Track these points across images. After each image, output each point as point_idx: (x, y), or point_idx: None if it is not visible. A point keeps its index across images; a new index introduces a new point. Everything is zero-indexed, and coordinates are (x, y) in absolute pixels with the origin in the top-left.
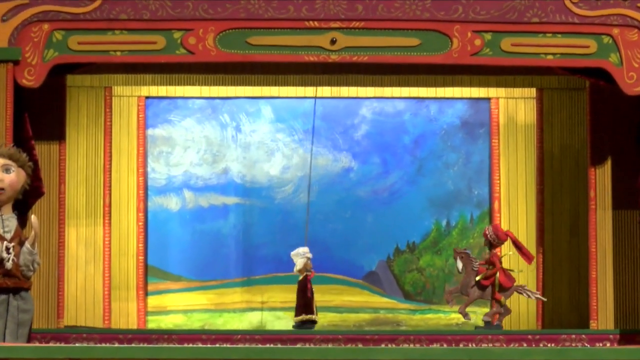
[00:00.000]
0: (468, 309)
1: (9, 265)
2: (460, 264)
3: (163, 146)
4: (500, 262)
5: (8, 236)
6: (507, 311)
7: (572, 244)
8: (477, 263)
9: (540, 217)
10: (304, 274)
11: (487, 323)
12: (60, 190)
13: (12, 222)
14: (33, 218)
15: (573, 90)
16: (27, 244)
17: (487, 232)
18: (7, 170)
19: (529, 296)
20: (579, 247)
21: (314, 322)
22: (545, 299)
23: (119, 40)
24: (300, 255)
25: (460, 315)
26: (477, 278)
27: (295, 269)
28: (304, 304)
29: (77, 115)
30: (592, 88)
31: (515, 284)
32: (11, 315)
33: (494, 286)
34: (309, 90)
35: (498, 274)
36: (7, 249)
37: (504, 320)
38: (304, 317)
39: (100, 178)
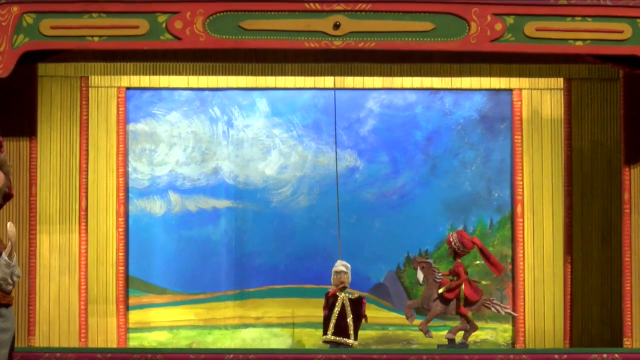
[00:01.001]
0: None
1: None
2: (421, 275)
3: (146, 143)
4: (466, 273)
5: None
6: (473, 328)
7: (604, 252)
8: (439, 274)
9: (569, 223)
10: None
11: (450, 341)
12: (31, 192)
13: None
14: (9, 225)
15: (605, 80)
16: (4, 255)
17: (451, 240)
18: None
19: (498, 311)
20: (612, 256)
21: (338, 344)
22: (516, 315)
23: (97, 25)
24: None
25: (478, 333)
26: (440, 291)
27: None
28: (324, 321)
29: (50, 108)
30: (626, 78)
31: (483, 297)
32: None
33: (459, 300)
34: (309, 81)
35: (463, 286)
36: None
37: (523, 337)
38: (323, 337)
39: (75, 179)
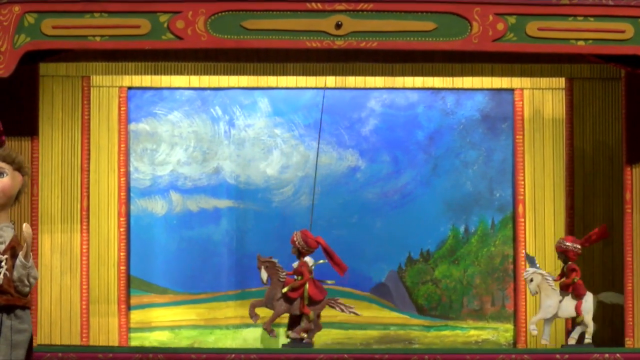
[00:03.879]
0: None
1: None
2: (264, 274)
3: (147, 143)
4: (310, 273)
5: (1, 247)
6: (318, 327)
7: (606, 252)
8: (284, 273)
9: (570, 223)
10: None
11: (293, 340)
12: (32, 192)
13: (7, 232)
14: (25, 227)
15: (607, 80)
16: (20, 256)
17: (295, 239)
18: (0, 174)
19: (342, 310)
20: (613, 256)
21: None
22: (360, 314)
23: (99, 24)
24: None
25: (479, 333)
26: (284, 290)
27: None
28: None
29: (52, 108)
30: (629, 78)
31: (327, 297)
32: (4, 337)
33: (303, 299)
34: (311, 80)
35: (307, 285)
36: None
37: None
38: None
39: (77, 178)
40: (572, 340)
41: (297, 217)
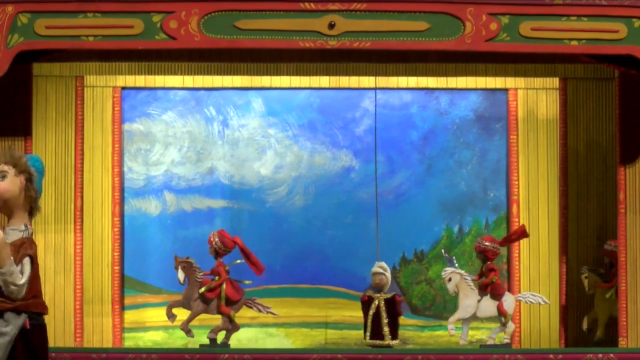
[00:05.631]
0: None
1: None
2: (181, 275)
3: (141, 143)
4: (227, 273)
5: None
6: (235, 327)
7: (599, 252)
8: (201, 274)
9: (564, 223)
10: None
11: (212, 341)
12: None
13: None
14: None
15: (600, 80)
16: None
17: (212, 239)
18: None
19: (260, 311)
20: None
21: (381, 346)
22: (277, 314)
23: (92, 24)
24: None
25: (473, 333)
26: (201, 290)
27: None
28: (364, 324)
29: (45, 108)
30: (622, 78)
31: (244, 297)
32: None
33: (220, 299)
34: (304, 80)
35: (225, 285)
36: None
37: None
38: (366, 340)
39: (70, 179)
40: (490, 341)
41: (291, 217)
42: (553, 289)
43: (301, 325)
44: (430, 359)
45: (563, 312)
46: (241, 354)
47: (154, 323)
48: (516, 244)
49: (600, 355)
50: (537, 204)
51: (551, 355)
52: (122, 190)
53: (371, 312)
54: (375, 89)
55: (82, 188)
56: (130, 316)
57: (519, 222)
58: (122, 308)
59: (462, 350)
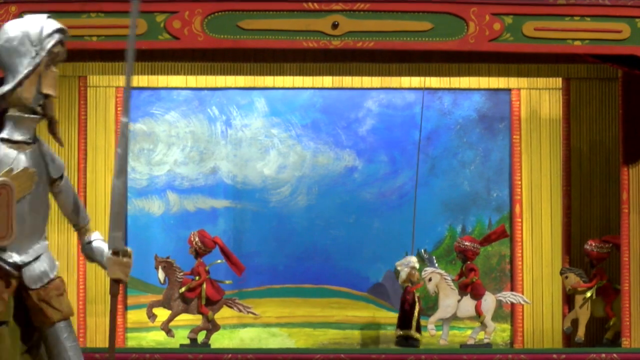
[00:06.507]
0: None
1: None
2: (162, 275)
3: (144, 143)
4: (208, 273)
5: None
6: (216, 327)
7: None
8: (181, 273)
9: (567, 223)
10: (407, 285)
11: (192, 340)
12: None
13: None
14: None
15: (604, 80)
16: None
17: (192, 239)
18: None
19: (240, 311)
20: (610, 255)
21: (413, 339)
22: (258, 314)
23: (95, 24)
24: (405, 265)
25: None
26: (181, 290)
27: (399, 280)
28: (401, 317)
29: None
30: (625, 78)
31: (224, 297)
32: None
33: (200, 299)
34: (308, 80)
35: (205, 285)
36: None
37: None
38: (398, 332)
39: (73, 178)
40: (470, 340)
41: (295, 216)
42: (556, 289)
43: (304, 325)
44: (433, 358)
45: (566, 312)
46: (244, 354)
47: (156, 323)
48: (519, 244)
49: (603, 355)
50: (540, 204)
51: (554, 355)
52: (125, 190)
53: (405, 306)
54: (382, 88)
55: (85, 188)
56: (133, 316)
57: (521, 222)
58: (125, 308)
59: (465, 350)
